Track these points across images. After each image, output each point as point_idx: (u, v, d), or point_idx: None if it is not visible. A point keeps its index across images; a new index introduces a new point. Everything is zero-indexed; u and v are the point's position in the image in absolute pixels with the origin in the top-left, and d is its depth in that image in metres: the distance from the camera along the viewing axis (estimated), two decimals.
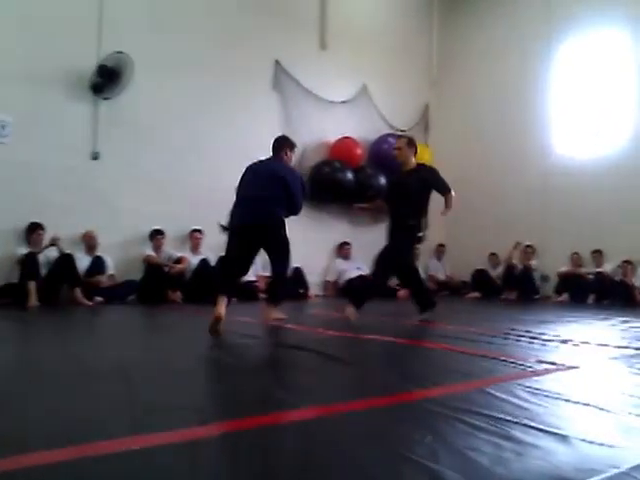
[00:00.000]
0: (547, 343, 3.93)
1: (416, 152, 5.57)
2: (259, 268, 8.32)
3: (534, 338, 4.13)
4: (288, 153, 5.06)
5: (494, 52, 10.62)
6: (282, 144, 5.06)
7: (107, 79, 7.12)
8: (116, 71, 7.12)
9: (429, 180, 5.38)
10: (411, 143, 5.54)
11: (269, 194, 4.66)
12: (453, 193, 5.40)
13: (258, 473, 1.46)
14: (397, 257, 5.35)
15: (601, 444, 1.68)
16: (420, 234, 5.38)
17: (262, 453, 1.61)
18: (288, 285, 5.17)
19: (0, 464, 1.44)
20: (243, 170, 4.92)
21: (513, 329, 4.63)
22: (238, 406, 2.14)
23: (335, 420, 1.96)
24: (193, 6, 8.22)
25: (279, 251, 4.76)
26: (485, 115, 10.66)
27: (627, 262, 8.48)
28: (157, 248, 7.35)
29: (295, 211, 4.91)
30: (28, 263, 6.21)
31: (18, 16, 6.78)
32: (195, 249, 7.71)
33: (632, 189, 8.63)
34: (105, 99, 7.25)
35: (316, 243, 9.14)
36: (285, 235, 4.74)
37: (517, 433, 1.76)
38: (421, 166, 5.59)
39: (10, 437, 1.70)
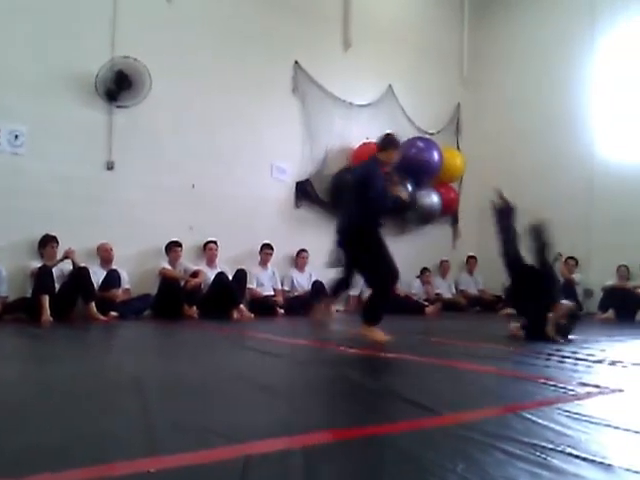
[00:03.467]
0: (591, 365, 3.89)
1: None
2: (277, 284, 8.40)
3: (578, 359, 4.09)
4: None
5: (530, 47, 10.59)
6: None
7: (123, 87, 7.25)
8: (132, 79, 7.25)
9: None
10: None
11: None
12: None
13: None
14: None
15: None
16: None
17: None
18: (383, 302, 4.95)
19: None
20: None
21: (557, 349, 4.58)
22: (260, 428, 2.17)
23: (359, 444, 1.97)
24: (210, 8, 8.33)
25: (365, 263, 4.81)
26: (522, 116, 10.58)
27: None
28: (174, 261, 7.42)
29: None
30: (41, 277, 6.29)
31: (31, 24, 6.93)
32: (211, 262, 7.77)
33: None
34: (119, 107, 7.37)
35: None
36: (368, 244, 4.77)
37: (557, 462, 1.76)
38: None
39: (26, 456, 1.74)
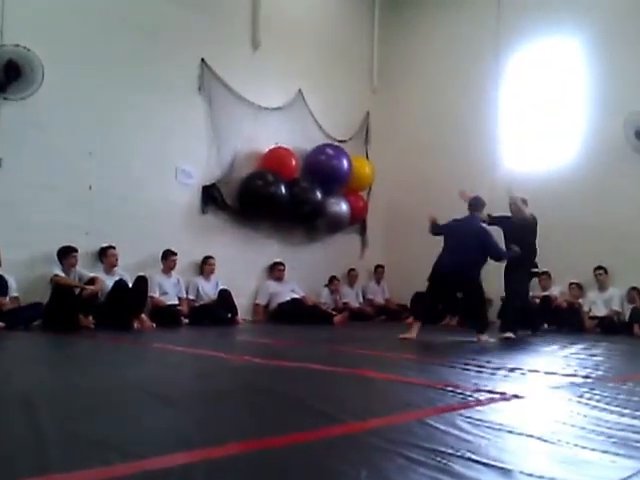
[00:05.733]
0: (494, 372, 4.07)
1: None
2: (182, 292, 8.29)
3: (481, 366, 4.28)
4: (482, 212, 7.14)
5: (439, 60, 10.95)
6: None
7: (12, 77, 6.91)
8: (22, 69, 6.93)
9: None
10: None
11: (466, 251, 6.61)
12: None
13: None
14: None
15: (544, 477, 1.76)
16: None
17: None
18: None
19: None
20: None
21: (454, 357, 4.77)
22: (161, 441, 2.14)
23: (264, 455, 1.97)
24: (112, 1, 8.06)
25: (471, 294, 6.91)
26: (429, 126, 10.91)
27: (575, 284, 8.86)
28: (68, 267, 7.14)
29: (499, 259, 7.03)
30: None
31: None
32: (110, 269, 7.53)
33: (581, 206, 8.96)
34: (7, 99, 7.01)
35: (245, 263, 9.13)
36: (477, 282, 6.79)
37: (458, 467, 1.83)
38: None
39: None
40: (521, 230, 7.29)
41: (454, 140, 10.48)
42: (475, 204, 7.09)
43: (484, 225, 7.07)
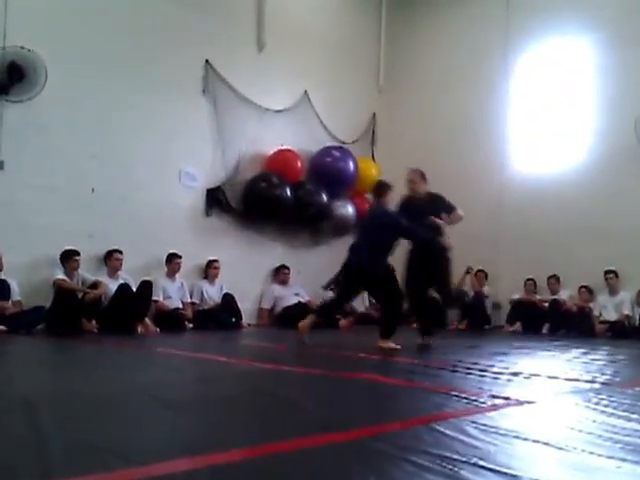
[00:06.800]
0: (498, 376, 4.07)
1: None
2: (186, 296, 8.28)
3: (484, 371, 4.27)
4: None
5: (446, 61, 10.93)
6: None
7: (15, 79, 6.93)
8: (25, 71, 6.95)
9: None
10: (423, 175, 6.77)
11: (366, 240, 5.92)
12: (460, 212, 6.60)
13: None
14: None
15: None
16: None
17: None
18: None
19: None
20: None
21: (461, 361, 4.76)
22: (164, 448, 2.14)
23: (269, 461, 1.97)
24: (115, 1, 8.07)
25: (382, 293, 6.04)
26: (437, 127, 10.90)
27: (585, 288, 8.83)
28: (70, 271, 7.15)
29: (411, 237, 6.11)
30: None
31: None
32: (113, 272, 7.54)
33: (590, 208, 8.92)
34: (10, 101, 7.04)
35: (250, 266, 9.13)
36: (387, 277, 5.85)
37: (466, 473, 1.82)
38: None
39: None
40: (420, 214, 6.20)
41: (462, 140, 10.47)
42: (377, 189, 6.31)
43: (388, 208, 6.15)
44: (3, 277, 6.78)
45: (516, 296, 9.25)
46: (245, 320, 8.61)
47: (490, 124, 10.32)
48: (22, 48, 6.94)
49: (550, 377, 4.17)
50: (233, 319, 8.32)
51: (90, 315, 6.98)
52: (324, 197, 9.37)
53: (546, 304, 8.93)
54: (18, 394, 3.04)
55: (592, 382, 3.94)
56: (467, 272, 9.40)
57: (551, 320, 8.83)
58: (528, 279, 9.27)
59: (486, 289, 9.51)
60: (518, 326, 9.05)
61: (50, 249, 7.16)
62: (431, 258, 6.13)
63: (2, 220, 6.93)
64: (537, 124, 10.02)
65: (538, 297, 9.15)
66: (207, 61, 8.92)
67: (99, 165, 7.77)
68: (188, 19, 8.73)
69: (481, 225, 9.78)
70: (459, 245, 9.87)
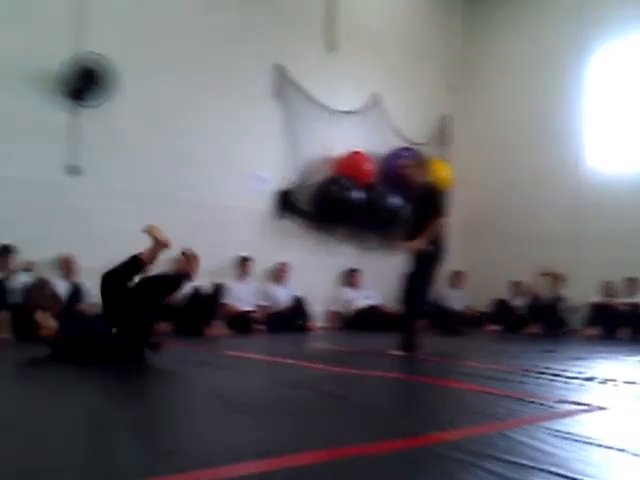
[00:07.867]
0: (574, 382, 3.99)
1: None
2: (257, 299, 8.40)
3: (557, 375, 4.20)
4: None
5: (521, 59, 10.77)
6: None
7: (88, 85, 7.12)
8: (99, 75, 7.14)
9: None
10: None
11: None
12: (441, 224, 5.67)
13: None
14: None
15: None
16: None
17: None
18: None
19: None
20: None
21: (537, 366, 4.69)
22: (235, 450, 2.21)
23: (340, 465, 2.00)
24: (185, 3, 8.29)
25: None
26: (511, 127, 10.77)
27: None
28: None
29: None
30: None
31: None
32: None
33: None
34: (83, 107, 7.23)
35: (320, 269, 9.20)
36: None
37: None
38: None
39: None
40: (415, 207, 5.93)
41: (536, 140, 10.30)
42: None
43: None
44: (78, 281, 6.95)
45: (594, 299, 8.98)
46: (315, 322, 8.69)
47: (565, 123, 10.12)
48: (93, 53, 7.12)
49: (627, 382, 4.08)
50: (300, 322, 8.40)
51: (165, 317, 7.13)
52: (395, 199, 9.34)
53: (625, 307, 8.64)
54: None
55: None
56: (546, 274, 9.13)
57: (632, 324, 8.53)
58: (606, 281, 8.99)
59: (563, 292, 9.27)
60: (596, 330, 8.78)
61: (123, 253, 7.32)
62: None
63: (77, 224, 7.15)
64: (614, 123, 9.74)
65: (616, 300, 8.85)
66: (277, 64, 9.02)
67: (172, 170, 7.95)
68: (259, 23, 8.86)
69: (558, 226, 9.65)
70: (534, 246, 9.80)
